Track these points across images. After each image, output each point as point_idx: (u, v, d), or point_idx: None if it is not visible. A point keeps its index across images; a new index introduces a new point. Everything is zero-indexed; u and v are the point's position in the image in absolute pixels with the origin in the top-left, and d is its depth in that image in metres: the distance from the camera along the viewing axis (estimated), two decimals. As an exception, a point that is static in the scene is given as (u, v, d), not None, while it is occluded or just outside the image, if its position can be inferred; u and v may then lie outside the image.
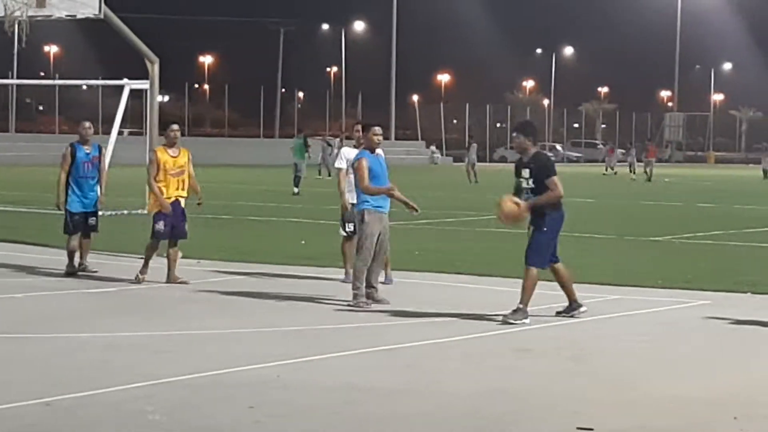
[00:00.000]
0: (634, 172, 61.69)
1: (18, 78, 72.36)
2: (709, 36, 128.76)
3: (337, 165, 15.64)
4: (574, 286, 13.02)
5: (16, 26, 16.96)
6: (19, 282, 15.30)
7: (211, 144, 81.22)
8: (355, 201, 14.06)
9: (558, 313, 12.87)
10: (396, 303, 13.72)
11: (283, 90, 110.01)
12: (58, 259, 17.16)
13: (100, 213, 16.69)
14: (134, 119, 61.10)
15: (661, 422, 8.59)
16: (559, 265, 12.85)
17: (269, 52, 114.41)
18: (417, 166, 75.28)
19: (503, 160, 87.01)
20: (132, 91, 26.43)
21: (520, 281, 12.66)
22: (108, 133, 25.02)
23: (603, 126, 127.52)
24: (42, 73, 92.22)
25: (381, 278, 14.64)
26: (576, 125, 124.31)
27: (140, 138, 29.99)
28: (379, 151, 14.09)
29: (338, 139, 54.09)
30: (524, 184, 12.71)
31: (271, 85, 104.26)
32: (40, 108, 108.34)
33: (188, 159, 15.34)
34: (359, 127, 14.74)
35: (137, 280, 15.07)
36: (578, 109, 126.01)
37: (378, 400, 9.05)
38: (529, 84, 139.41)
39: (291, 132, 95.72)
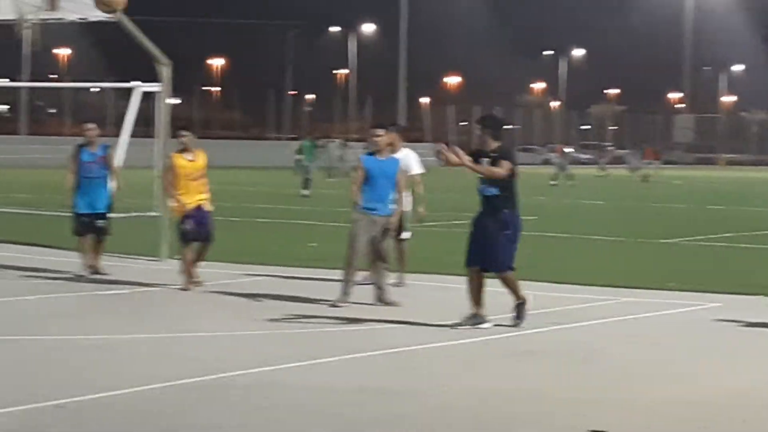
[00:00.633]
0: (639, 174, 61.42)
1: (29, 81, 72.48)
2: (719, 37, 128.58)
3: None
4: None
5: (29, 30, 16.96)
6: (30, 284, 15.34)
7: (221, 146, 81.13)
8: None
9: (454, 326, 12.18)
10: (411, 305, 13.76)
11: (292, 92, 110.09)
12: (68, 261, 17.21)
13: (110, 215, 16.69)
14: (144, 121, 61.06)
15: (673, 425, 8.59)
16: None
17: (279, 55, 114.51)
18: (426, 168, 74.97)
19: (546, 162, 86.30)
20: (144, 93, 26.44)
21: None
22: (118, 135, 25.01)
23: (613, 128, 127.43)
24: (53, 76, 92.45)
25: (395, 279, 14.75)
26: (585, 127, 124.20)
27: (148, 141, 30.01)
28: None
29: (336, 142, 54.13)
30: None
31: (280, 87, 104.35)
32: (51, 111, 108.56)
33: (206, 162, 15.20)
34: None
35: (186, 288, 14.89)
36: (588, 112, 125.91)
37: (387, 402, 9.07)
38: (538, 86, 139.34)
39: (300, 135, 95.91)
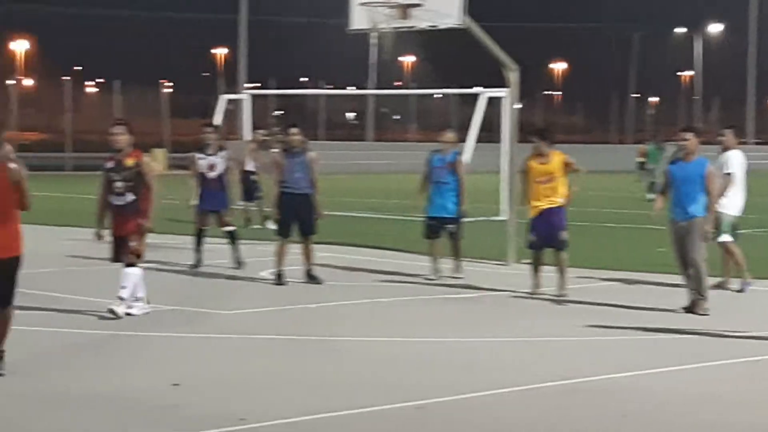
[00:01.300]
0: None
1: (375, 89, 74.51)
2: None
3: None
4: None
5: (381, 38, 17.43)
6: (382, 287, 15.73)
7: (564, 151, 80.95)
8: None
9: None
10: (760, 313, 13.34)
11: (636, 95, 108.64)
12: (416, 264, 17.56)
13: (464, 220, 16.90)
14: (486, 126, 61.69)
15: None
16: None
17: (621, 58, 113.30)
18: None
19: None
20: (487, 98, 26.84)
21: None
22: (462, 141, 25.40)
23: None
24: (398, 83, 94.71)
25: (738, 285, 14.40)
26: None
27: (492, 146, 30.37)
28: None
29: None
30: None
31: (623, 90, 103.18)
32: (396, 117, 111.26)
33: (562, 164, 15.15)
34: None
35: (533, 295, 14.99)
36: None
37: (742, 413, 8.81)
38: None
39: (643, 138, 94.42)
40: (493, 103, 29.65)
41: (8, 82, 67.67)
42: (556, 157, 15.04)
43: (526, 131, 16.22)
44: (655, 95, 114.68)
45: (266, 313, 13.63)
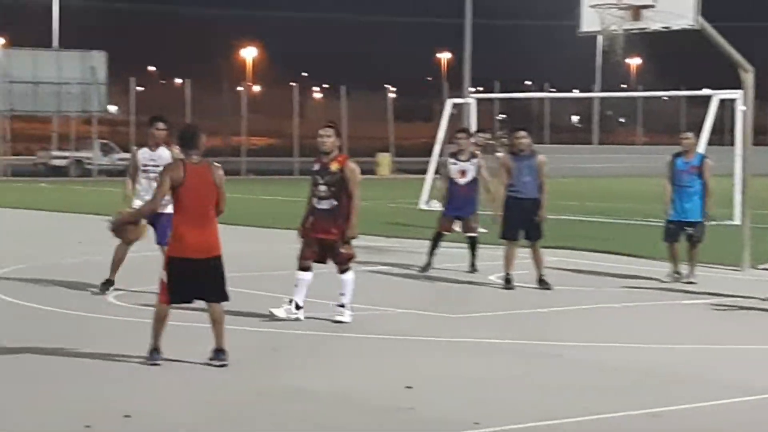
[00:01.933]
0: None
1: (600, 91, 73.74)
2: None
3: None
4: None
5: (612, 40, 17.20)
6: (614, 291, 15.54)
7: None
8: None
9: None
10: None
11: None
12: (645, 269, 17.30)
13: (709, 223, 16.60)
14: (716, 130, 60.39)
15: None
16: None
17: None
18: None
19: None
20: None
21: None
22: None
23: None
24: (623, 86, 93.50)
25: None
26: None
27: (723, 149, 29.75)
28: None
29: None
30: None
31: None
32: (621, 120, 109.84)
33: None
34: None
35: None
36: None
37: None
38: None
39: None
40: (723, 105, 28.99)
41: (238, 88, 69.47)
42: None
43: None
44: None
45: (494, 317, 13.60)
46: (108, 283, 14.51)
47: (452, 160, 17.57)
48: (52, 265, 17.73)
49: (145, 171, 14.49)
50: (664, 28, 17.28)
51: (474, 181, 17.32)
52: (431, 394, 9.40)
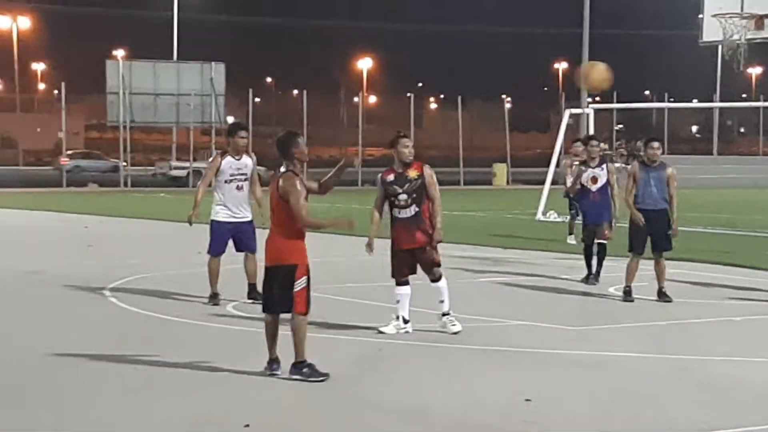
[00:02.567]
0: None
1: (720, 101, 72.74)
2: None
3: None
4: None
5: (734, 50, 16.94)
6: (737, 305, 15.27)
7: None
8: None
9: None
10: None
11: None
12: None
13: None
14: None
15: None
16: None
17: None
18: None
19: None
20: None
21: None
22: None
23: None
24: (744, 95, 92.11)
25: None
26: None
27: None
28: None
29: None
30: None
31: None
32: (742, 130, 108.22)
33: None
34: None
35: None
36: None
37: None
38: None
39: None
40: None
41: (354, 99, 69.85)
42: None
43: None
44: None
45: (615, 329, 13.43)
46: (214, 297, 14.61)
47: (583, 168, 17.46)
48: (174, 274, 17.97)
49: (231, 181, 14.53)
50: (791, 36, 17.01)
51: (605, 187, 17.21)
52: (549, 407, 9.30)
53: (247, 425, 8.50)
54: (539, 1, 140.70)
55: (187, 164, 59.30)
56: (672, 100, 74.71)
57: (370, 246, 12.68)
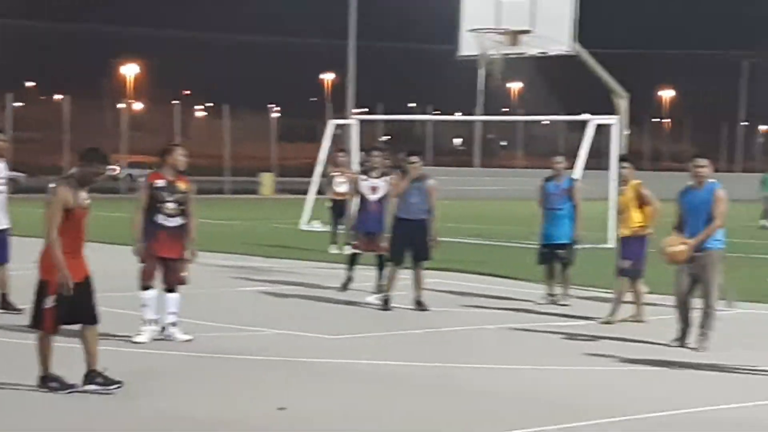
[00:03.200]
0: None
1: (483, 115, 74.44)
2: None
3: None
4: None
5: (490, 65, 17.40)
6: (491, 313, 15.66)
7: (672, 179, 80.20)
8: None
9: None
10: None
11: (745, 123, 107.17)
12: (523, 291, 17.49)
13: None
14: (592, 153, 61.41)
15: None
16: None
17: (731, 85, 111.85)
18: None
19: None
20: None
21: None
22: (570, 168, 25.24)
23: None
24: (505, 109, 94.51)
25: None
26: None
27: (599, 172, 30.26)
28: None
29: None
30: None
31: (732, 118, 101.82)
32: (503, 143, 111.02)
33: (637, 194, 14.90)
34: None
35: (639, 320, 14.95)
36: None
37: None
38: None
39: (753, 167, 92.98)
40: (601, 129, 29.44)
41: (119, 105, 68.81)
42: (634, 188, 14.96)
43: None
44: (765, 123, 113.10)
45: (370, 338, 13.62)
46: None
47: (363, 177, 17.59)
48: None
49: None
50: (541, 53, 17.53)
51: (384, 199, 17.36)
52: (303, 416, 9.37)
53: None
54: (307, 13, 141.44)
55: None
56: (437, 112, 76.05)
57: (140, 252, 12.57)
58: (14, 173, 14.76)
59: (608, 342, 13.48)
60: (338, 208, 23.46)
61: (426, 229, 15.89)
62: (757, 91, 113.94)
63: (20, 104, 73.15)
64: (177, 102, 66.20)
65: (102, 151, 10.21)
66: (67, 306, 9.81)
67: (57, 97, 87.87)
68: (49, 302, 9.83)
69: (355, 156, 30.43)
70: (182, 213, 12.57)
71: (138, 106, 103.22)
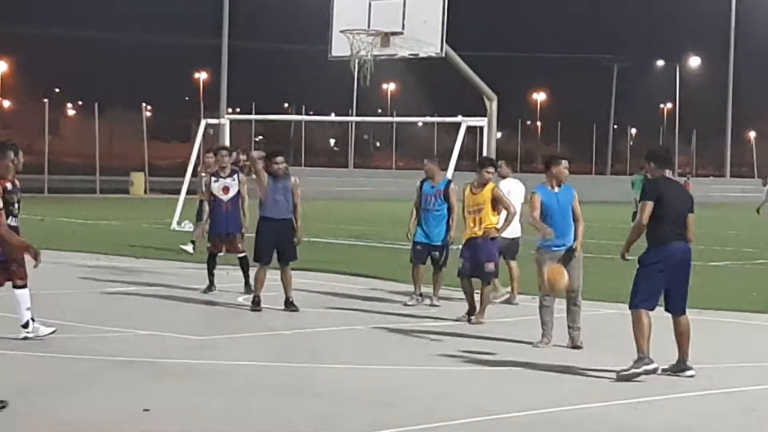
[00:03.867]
0: None
1: (357, 115, 74.58)
2: None
3: None
4: None
5: (361, 65, 17.43)
6: (361, 314, 15.67)
7: (542, 180, 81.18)
8: None
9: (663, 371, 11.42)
10: (734, 345, 13.34)
11: (615, 126, 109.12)
12: (395, 291, 17.57)
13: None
14: (468, 155, 61.92)
15: None
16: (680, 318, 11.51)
17: (601, 89, 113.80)
18: (753, 204, 72.92)
19: None
20: (466, 127, 26.87)
21: None
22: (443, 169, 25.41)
23: None
24: (379, 111, 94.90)
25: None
26: None
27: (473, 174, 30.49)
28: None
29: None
30: None
31: (603, 121, 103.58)
32: (377, 144, 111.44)
33: (490, 195, 15.12)
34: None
35: (465, 320, 15.10)
36: None
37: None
38: None
39: (623, 169, 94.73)
40: (476, 131, 29.71)
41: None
42: (490, 189, 15.12)
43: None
44: (635, 126, 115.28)
45: (240, 339, 13.56)
46: None
47: (214, 177, 17.48)
48: None
49: None
50: (411, 55, 17.61)
51: (236, 198, 17.27)
52: (169, 417, 9.29)
53: None
54: (180, 11, 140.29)
55: None
56: (311, 113, 76.03)
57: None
58: None
59: (473, 342, 13.58)
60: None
61: (291, 229, 15.85)
62: (627, 94, 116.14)
63: None
64: (46, 100, 65.12)
65: None
66: None
67: None
68: None
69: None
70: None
71: (6, 103, 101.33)
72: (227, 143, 32.20)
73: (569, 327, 13.27)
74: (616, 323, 14.43)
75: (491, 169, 15.30)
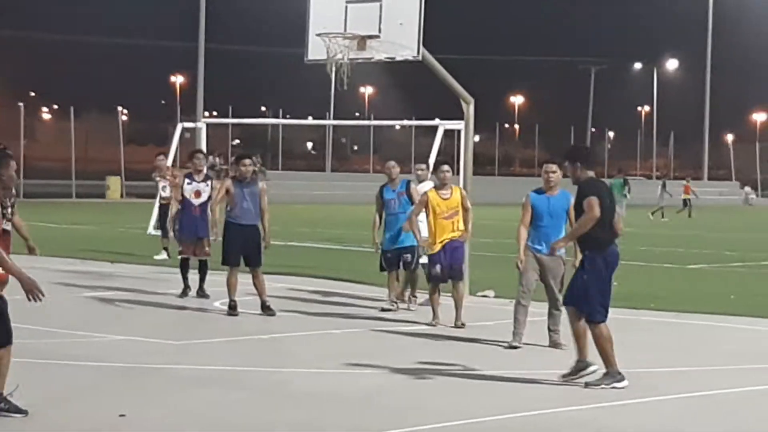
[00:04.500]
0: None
1: (334, 119, 74.56)
2: None
3: None
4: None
5: (338, 69, 17.34)
6: (338, 319, 15.62)
7: (521, 184, 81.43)
8: None
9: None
10: (712, 348, 13.34)
11: (593, 129, 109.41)
12: (372, 296, 17.52)
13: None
14: (446, 159, 61.86)
15: None
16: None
17: (579, 92, 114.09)
18: (731, 207, 73.28)
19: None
20: (444, 130, 26.78)
21: None
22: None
23: None
24: (357, 114, 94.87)
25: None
26: None
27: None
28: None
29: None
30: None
31: (580, 124, 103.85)
32: (355, 148, 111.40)
33: (462, 198, 15.05)
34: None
35: (432, 324, 15.06)
36: None
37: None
38: None
39: (600, 172, 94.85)
40: (453, 134, 29.64)
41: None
42: (457, 191, 15.13)
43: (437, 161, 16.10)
44: (612, 129, 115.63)
45: (216, 344, 13.48)
46: None
47: (187, 180, 17.41)
48: None
49: None
50: (388, 58, 17.52)
51: (206, 203, 17.22)
52: (145, 423, 9.22)
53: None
54: (156, 14, 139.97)
55: None
56: (288, 116, 75.94)
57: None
58: None
59: (450, 345, 13.54)
60: (164, 213, 22.93)
61: (259, 233, 15.81)
62: (605, 97, 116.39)
63: None
64: (22, 104, 64.83)
65: None
66: None
67: None
68: None
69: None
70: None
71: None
72: (204, 147, 32.08)
73: (550, 330, 13.24)
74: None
75: (446, 167, 15.20)
